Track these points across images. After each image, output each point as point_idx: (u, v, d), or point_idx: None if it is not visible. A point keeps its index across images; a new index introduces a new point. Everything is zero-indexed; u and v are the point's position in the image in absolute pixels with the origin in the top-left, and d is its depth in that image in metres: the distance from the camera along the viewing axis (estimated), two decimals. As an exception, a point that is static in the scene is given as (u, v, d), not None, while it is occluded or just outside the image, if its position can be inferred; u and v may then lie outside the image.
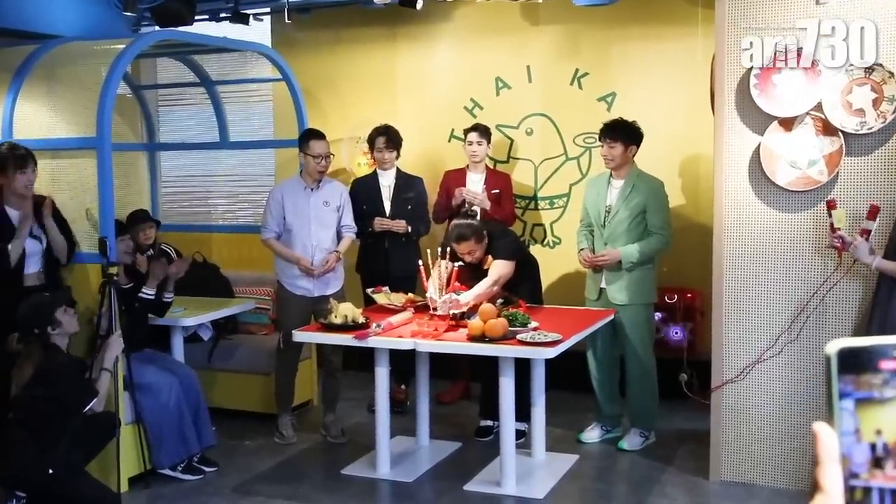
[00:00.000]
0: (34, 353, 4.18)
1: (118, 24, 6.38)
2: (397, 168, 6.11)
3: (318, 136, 5.54)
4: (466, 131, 6.07)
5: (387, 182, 6.06)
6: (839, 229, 4.23)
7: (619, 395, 5.49)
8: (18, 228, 4.68)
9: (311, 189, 5.51)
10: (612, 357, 5.43)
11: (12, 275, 4.67)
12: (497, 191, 6.00)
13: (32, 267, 4.76)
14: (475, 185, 6.03)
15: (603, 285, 5.26)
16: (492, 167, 6.38)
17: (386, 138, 6.00)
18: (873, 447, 0.70)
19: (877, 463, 0.70)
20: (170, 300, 5.19)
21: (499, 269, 5.16)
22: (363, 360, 5.33)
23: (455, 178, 6.11)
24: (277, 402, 5.69)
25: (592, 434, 5.49)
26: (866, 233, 4.19)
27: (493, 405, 4.95)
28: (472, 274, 5.24)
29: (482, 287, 5.08)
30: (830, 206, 4.27)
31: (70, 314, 4.33)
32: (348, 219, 5.67)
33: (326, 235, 5.56)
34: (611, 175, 5.27)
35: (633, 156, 5.22)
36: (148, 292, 5.04)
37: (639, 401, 5.33)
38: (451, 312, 4.88)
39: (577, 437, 5.47)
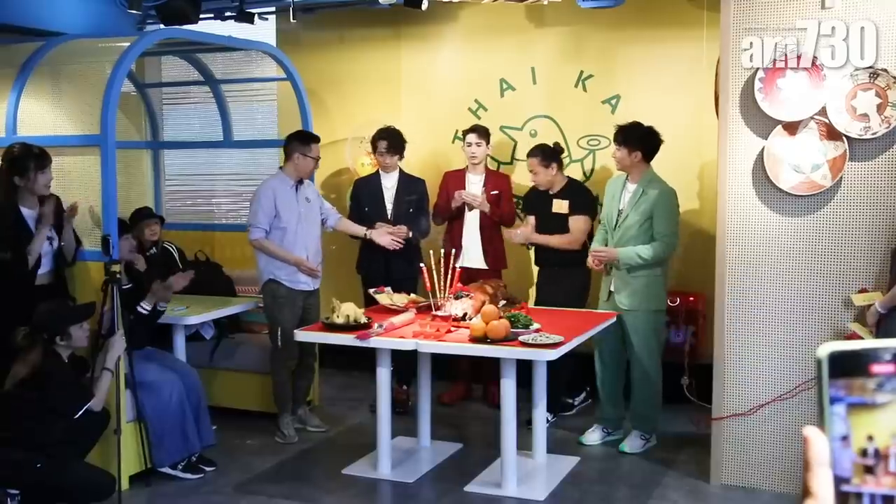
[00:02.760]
0: (34, 353, 4.18)
1: (123, 22, 6.39)
2: (400, 169, 6.10)
3: (318, 139, 5.62)
4: (465, 132, 6.07)
5: (389, 183, 6.06)
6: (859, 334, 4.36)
7: (622, 398, 5.45)
8: (37, 230, 4.68)
9: (296, 187, 5.54)
10: (618, 360, 5.37)
11: (28, 274, 4.67)
12: (497, 192, 6.02)
13: (44, 267, 4.76)
14: (474, 186, 6.04)
15: (612, 289, 5.24)
16: (493, 168, 6.38)
17: (388, 143, 5.99)
18: (864, 452, 0.69)
19: (867, 469, 0.69)
20: (163, 309, 5.11)
21: (579, 224, 5.62)
22: (365, 360, 5.33)
23: (455, 179, 6.12)
24: (277, 402, 5.67)
25: (593, 436, 5.45)
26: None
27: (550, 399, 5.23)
28: (537, 203, 5.77)
29: (554, 239, 5.61)
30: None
31: (84, 330, 4.33)
32: (326, 206, 5.80)
33: (315, 231, 5.64)
34: (627, 178, 5.24)
35: (640, 160, 5.14)
36: (146, 307, 4.97)
37: (640, 405, 5.30)
38: (519, 242, 5.74)
39: (579, 440, 5.44)
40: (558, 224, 5.66)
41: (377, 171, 6.16)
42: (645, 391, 5.26)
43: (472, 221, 6.04)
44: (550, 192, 5.75)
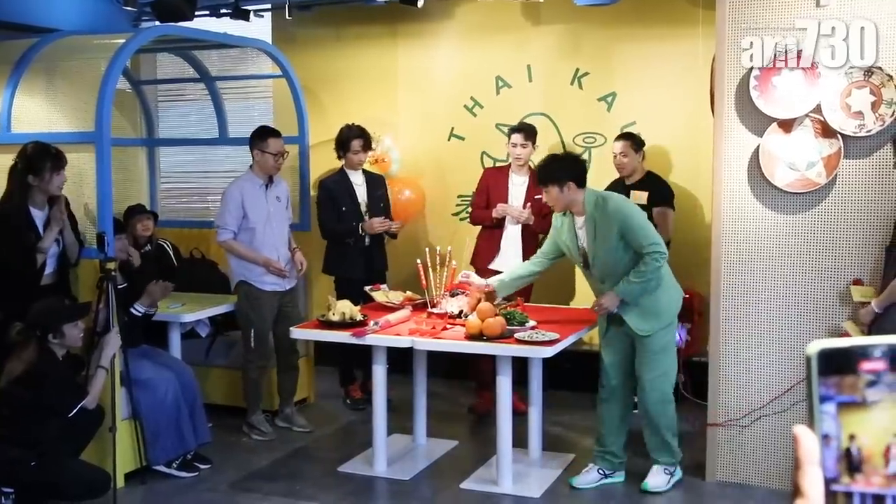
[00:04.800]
0: (28, 351, 4.17)
1: (118, 19, 6.39)
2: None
3: (276, 133, 5.58)
4: (510, 131, 5.81)
5: (359, 181, 6.04)
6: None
7: (626, 429, 4.80)
8: (48, 230, 4.65)
9: (266, 186, 5.54)
10: (625, 385, 4.75)
11: (35, 275, 4.65)
12: (541, 196, 5.40)
13: (48, 267, 4.74)
14: (518, 187, 5.79)
15: (617, 311, 4.55)
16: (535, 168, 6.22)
17: (363, 140, 5.97)
18: (848, 452, 0.69)
19: (853, 468, 0.69)
20: (152, 313, 5.07)
21: (667, 216, 5.43)
22: (362, 357, 5.33)
23: (496, 178, 5.85)
24: (248, 401, 5.66)
25: (588, 478, 4.77)
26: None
27: None
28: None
29: None
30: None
31: (79, 329, 4.31)
32: (290, 212, 5.80)
33: (285, 231, 5.65)
34: (571, 215, 4.61)
35: (574, 190, 4.47)
36: (139, 309, 4.93)
37: (660, 431, 4.66)
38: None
39: (570, 482, 4.78)
40: None
41: (341, 170, 6.07)
42: (664, 415, 4.63)
43: (513, 229, 5.76)
44: (627, 183, 5.66)
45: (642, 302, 4.48)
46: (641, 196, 5.56)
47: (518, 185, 5.82)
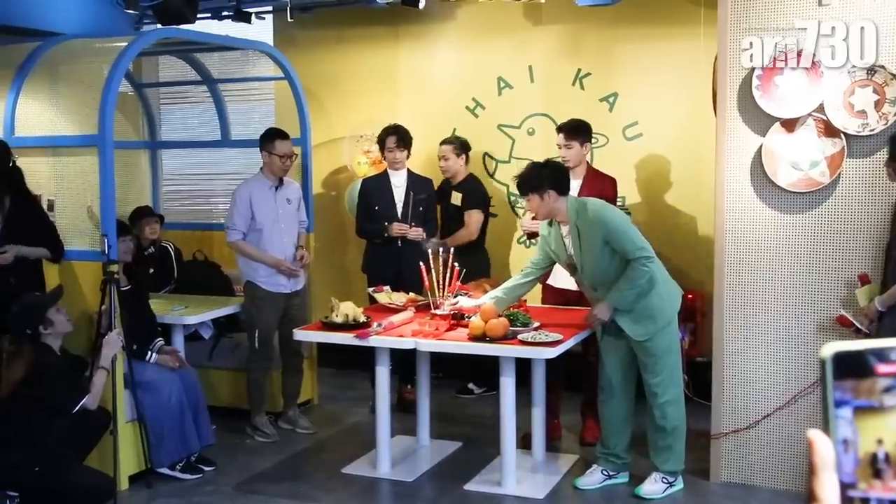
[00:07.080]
0: (25, 352, 4.16)
1: (120, 22, 6.39)
2: (408, 168, 6.04)
3: (283, 135, 5.57)
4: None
5: (399, 182, 5.97)
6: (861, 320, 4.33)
7: (629, 432, 4.78)
8: None
9: (276, 188, 5.54)
10: (628, 385, 4.71)
11: None
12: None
13: None
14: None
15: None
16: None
17: (396, 137, 5.91)
18: (874, 457, 0.67)
19: (876, 473, 0.67)
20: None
21: (475, 217, 5.82)
22: (364, 358, 5.33)
23: None
24: (252, 402, 5.66)
25: (591, 479, 4.77)
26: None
27: None
28: (442, 195, 5.98)
29: (455, 237, 5.78)
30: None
31: (63, 313, 4.31)
32: (303, 214, 5.78)
33: (294, 232, 5.66)
34: (557, 224, 4.58)
35: (555, 199, 4.41)
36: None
37: (667, 436, 4.58)
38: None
39: (574, 483, 4.78)
40: (456, 216, 5.95)
41: (385, 171, 6.07)
42: (672, 418, 4.55)
43: None
44: (453, 183, 5.99)
45: (635, 306, 4.44)
46: (457, 197, 5.95)
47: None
